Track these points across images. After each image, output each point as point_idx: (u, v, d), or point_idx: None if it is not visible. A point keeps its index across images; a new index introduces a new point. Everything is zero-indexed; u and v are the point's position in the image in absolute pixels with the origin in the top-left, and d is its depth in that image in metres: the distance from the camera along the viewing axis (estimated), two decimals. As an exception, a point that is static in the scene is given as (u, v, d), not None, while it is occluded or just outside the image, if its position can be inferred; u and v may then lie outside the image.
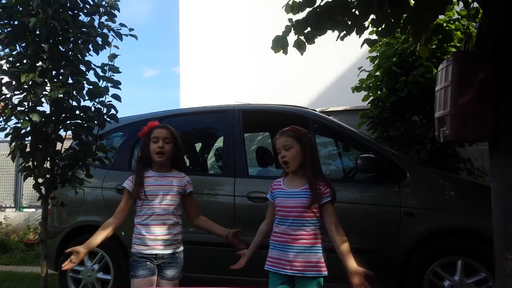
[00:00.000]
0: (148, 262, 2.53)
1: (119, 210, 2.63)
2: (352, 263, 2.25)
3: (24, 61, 3.20)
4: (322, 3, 3.03)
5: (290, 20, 3.23)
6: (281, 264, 2.31)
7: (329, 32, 3.13)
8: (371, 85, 5.13)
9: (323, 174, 2.47)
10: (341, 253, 2.29)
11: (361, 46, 3.80)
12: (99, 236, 2.55)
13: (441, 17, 4.35)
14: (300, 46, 3.32)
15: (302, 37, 3.26)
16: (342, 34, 3.11)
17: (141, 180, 2.59)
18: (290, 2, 3.24)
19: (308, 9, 3.08)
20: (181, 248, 2.65)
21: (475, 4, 3.04)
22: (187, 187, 2.69)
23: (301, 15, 3.16)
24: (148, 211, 2.56)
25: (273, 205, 2.47)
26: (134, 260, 2.55)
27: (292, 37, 3.28)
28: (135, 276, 2.52)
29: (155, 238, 2.53)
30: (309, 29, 3.15)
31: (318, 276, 2.29)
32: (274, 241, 2.39)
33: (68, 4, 3.30)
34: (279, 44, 3.28)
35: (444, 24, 4.38)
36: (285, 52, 3.31)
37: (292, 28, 3.22)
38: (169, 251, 2.56)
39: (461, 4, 3.37)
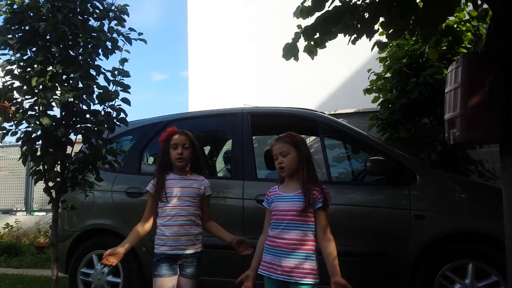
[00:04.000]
0: (171, 262, 2.62)
1: (146, 214, 2.75)
2: (335, 274, 2.23)
3: (35, 65, 3.23)
4: (330, 8, 3.02)
5: (299, 26, 3.23)
6: (273, 269, 2.30)
7: (339, 35, 3.12)
8: (381, 87, 5.11)
9: (318, 180, 2.45)
10: (326, 262, 2.27)
11: (372, 49, 3.78)
12: (132, 238, 2.69)
13: (451, 18, 4.33)
14: (311, 51, 3.32)
15: (312, 42, 3.25)
16: (353, 37, 3.11)
17: (163, 183, 2.69)
18: (301, 8, 3.24)
19: (317, 14, 3.08)
20: (202, 248, 2.73)
21: (486, 5, 3.02)
22: (206, 190, 2.79)
23: (310, 20, 3.15)
24: (171, 212, 2.66)
25: (270, 214, 2.45)
26: (157, 260, 2.64)
27: (301, 42, 3.27)
28: (159, 275, 2.61)
29: (178, 238, 2.63)
30: (318, 34, 3.15)
31: (309, 283, 2.24)
32: (268, 245, 2.38)
33: (78, 9, 3.33)
34: (290, 52, 3.27)
35: (455, 26, 4.35)
36: (296, 59, 3.31)
37: (302, 35, 3.22)
38: (191, 251, 2.65)
39: (471, 5, 3.35)
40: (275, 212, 2.40)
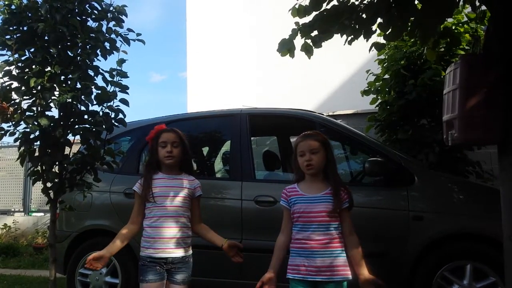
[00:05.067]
0: (158, 267, 2.50)
1: (134, 215, 2.64)
2: (364, 271, 2.26)
3: (33, 66, 3.23)
4: (328, 7, 3.02)
5: (296, 23, 3.23)
6: (308, 271, 2.26)
7: (336, 35, 3.12)
8: (379, 88, 5.11)
9: (341, 180, 2.47)
10: (354, 260, 2.29)
11: (369, 50, 3.78)
12: (118, 241, 2.59)
13: (449, 20, 4.34)
14: (307, 50, 3.31)
15: (309, 41, 3.25)
16: (349, 38, 3.11)
17: (149, 182, 2.58)
18: (297, 6, 3.24)
19: (314, 13, 3.08)
20: (190, 252, 2.63)
21: (484, 7, 3.02)
22: (196, 190, 2.68)
23: (308, 18, 3.15)
24: (158, 212, 2.55)
25: (289, 214, 2.40)
26: (143, 265, 2.53)
27: (298, 41, 3.27)
28: (144, 280, 2.49)
29: (164, 240, 2.51)
30: (315, 32, 3.14)
31: (344, 279, 2.27)
32: (299, 248, 2.32)
33: (77, 10, 3.34)
34: (285, 46, 3.26)
35: (453, 27, 4.36)
36: (292, 55, 3.30)
37: (299, 32, 3.21)
38: (178, 255, 2.53)
39: (469, 7, 3.36)
40: (302, 214, 2.34)
